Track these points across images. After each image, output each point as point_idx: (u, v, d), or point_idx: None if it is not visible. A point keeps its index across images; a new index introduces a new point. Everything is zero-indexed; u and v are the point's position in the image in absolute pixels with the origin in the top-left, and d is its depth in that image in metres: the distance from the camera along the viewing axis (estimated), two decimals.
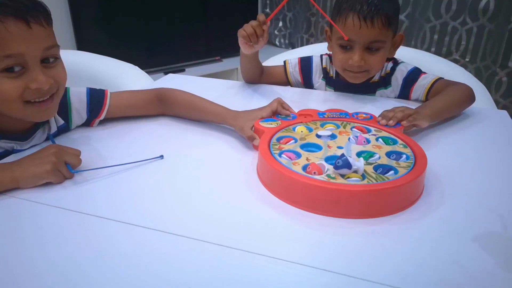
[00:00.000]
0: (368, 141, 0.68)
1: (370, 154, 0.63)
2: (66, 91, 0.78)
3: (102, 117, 0.82)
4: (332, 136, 0.69)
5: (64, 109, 0.77)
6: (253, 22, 0.89)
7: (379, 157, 0.62)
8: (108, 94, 0.82)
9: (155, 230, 0.51)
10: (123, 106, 0.85)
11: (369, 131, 0.72)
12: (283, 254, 0.47)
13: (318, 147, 0.65)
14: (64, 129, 0.79)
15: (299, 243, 0.50)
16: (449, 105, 0.88)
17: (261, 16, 0.89)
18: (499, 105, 1.89)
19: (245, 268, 0.46)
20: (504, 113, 0.95)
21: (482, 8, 1.83)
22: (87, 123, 0.83)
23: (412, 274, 0.45)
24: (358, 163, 0.57)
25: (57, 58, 0.67)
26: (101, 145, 0.76)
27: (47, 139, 0.75)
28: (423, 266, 0.46)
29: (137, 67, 1.27)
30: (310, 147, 0.66)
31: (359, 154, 0.63)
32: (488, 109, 0.99)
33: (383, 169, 0.59)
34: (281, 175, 0.57)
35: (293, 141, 0.67)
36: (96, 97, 0.81)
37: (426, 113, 0.81)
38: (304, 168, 0.58)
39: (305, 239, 0.51)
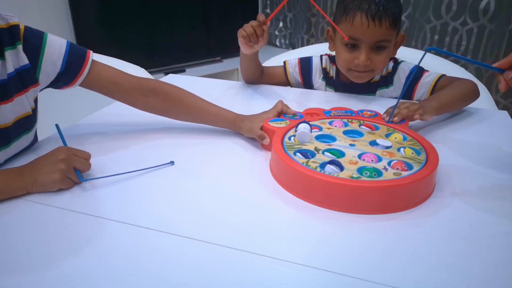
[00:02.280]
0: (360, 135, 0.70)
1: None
2: (43, 34, 0.70)
3: (81, 77, 0.73)
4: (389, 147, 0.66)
5: (35, 50, 0.68)
6: (253, 22, 0.89)
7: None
8: (91, 54, 0.74)
9: (159, 231, 0.51)
10: (105, 80, 0.76)
11: (377, 128, 0.73)
12: (284, 254, 0.47)
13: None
14: (28, 73, 0.68)
15: (301, 242, 0.50)
16: (454, 99, 0.89)
17: (261, 16, 0.89)
18: (500, 106, 1.89)
19: (247, 269, 0.45)
20: (505, 113, 0.95)
21: (483, 8, 1.83)
22: (63, 84, 0.74)
23: (415, 275, 0.45)
24: (303, 131, 0.66)
25: None
26: (109, 150, 0.74)
27: (7, 83, 0.66)
28: (427, 267, 0.46)
29: (139, 67, 1.27)
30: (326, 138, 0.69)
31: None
32: (489, 110, 0.99)
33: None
34: (296, 172, 0.58)
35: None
36: (76, 51, 0.73)
37: (432, 106, 0.81)
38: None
39: (308, 237, 0.51)
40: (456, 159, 0.71)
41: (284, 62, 1.13)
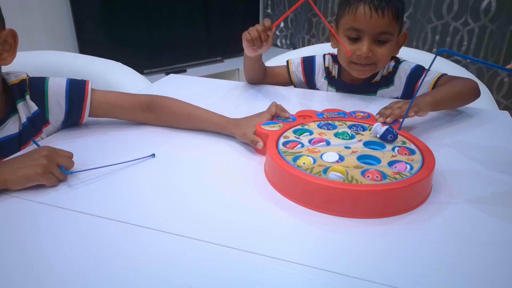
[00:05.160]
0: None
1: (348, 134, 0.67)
2: (45, 79, 0.77)
3: (87, 110, 0.79)
4: (341, 158, 0.62)
5: (40, 95, 0.76)
6: (258, 27, 0.89)
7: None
8: (89, 84, 0.79)
9: (154, 230, 0.51)
10: (107, 104, 0.81)
11: (364, 129, 0.72)
12: (284, 254, 0.47)
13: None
14: (39, 117, 0.76)
15: (300, 243, 0.50)
16: (450, 95, 0.88)
17: (266, 22, 0.89)
18: (501, 106, 1.89)
19: (245, 268, 0.46)
20: (506, 113, 0.95)
21: (484, 8, 1.83)
22: (74, 120, 0.80)
23: (414, 275, 0.45)
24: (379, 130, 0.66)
25: None
26: (93, 146, 0.75)
27: (20, 133, 0.74)
28: (425, 268, 0.46)
29: (130, 68, 1.26)
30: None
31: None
32: (490, 110, 0.99)
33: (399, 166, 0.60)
34: (292, 176, 0.57)
35: (300, 145, 0.66)
36: (76, 85, 0.78)
37: (426, 101, 0.81)
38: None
39: (307, 239, 0.51)
40: (456, 161, 0.71)
41: (287, 62, 1.13)
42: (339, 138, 0.68)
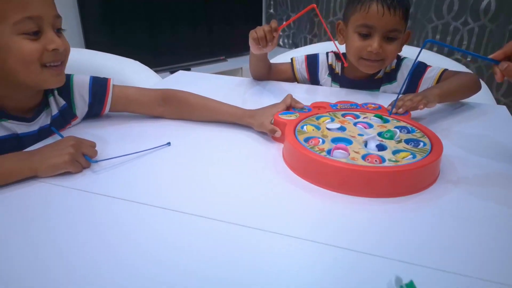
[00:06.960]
0: (370, 126, 0.74)
1: (391, 133, 0.70)
2: (70, 76, 0.81)
3: (108, 103, 0.83)
4: (342, 128, 0.72)
5: (66, 90, 0.80)
6: (265, 27, 0.94)
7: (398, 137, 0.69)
8: (111, 81, 0.84)
9: (172, 211, 0.56)
10: (126, 99, 0.85)
11: (370, 126, 0.75)
12: (292, 231, 0.52)
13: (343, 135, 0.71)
14: (67, 111, 0.81)
15: (320, 223, 0.54)
16: (456, 87, 0.93)
17: (273, 23, 0.93)
18: (500, 104, 1.92)
19: (256, 245, 0.50)
20: (504, 108, 0.99)
21: (484, 8, 1.86)
22: (95, 112, 0.84)
23: (418, 250, 0.49)
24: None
25: (61, 29, 0.71)
26: (113, 137, 0.79)
27: (51, 124, 0.78)
28: (428, 244, 0.50)
29: (141, 63, 1.29)
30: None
31: (380, 134, 0.70)
32: (489, 104, 1.02)
33: (414, 143, 0.67)
34: (310, 159, 0.62)
35: (353, 117, 0.78)
36: (98, 82, 0.83)
37: (435, 93, 0.86)
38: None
39: (328, 219, 0.55)
40: (457, 150, 0.75)
41: (291, 59, 1.17)
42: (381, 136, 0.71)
